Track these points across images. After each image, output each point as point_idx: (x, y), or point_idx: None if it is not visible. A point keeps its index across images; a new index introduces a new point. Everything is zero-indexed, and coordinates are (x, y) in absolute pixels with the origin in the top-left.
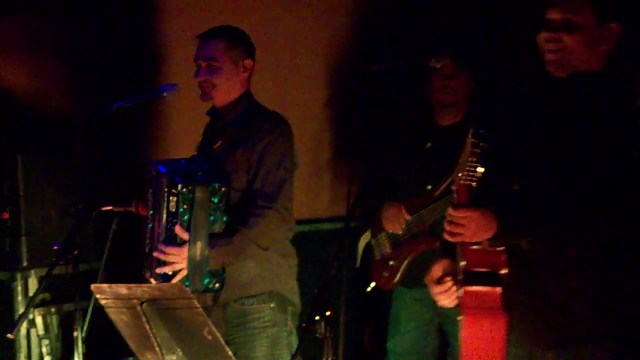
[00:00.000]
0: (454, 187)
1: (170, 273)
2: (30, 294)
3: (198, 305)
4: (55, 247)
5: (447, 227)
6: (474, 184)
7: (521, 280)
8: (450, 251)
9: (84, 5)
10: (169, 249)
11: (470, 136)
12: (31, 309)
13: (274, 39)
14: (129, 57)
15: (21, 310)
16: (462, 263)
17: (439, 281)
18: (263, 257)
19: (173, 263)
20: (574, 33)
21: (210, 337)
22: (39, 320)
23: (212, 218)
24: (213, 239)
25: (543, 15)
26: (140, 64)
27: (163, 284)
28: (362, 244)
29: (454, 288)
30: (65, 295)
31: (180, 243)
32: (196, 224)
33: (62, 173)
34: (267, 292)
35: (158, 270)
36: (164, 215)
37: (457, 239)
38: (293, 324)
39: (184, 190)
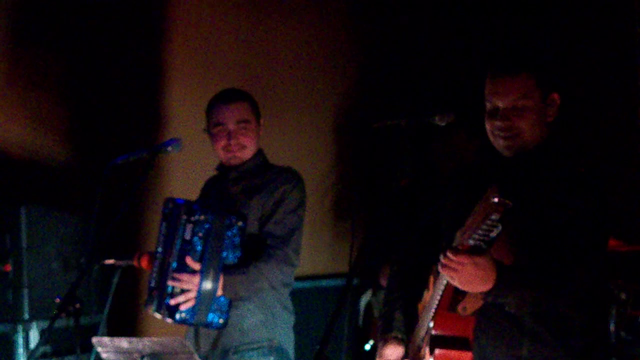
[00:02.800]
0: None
1: (173, 303)
2: (32, 346)
3: None
4: (57, 300)
5: (441, 269)
6: (484, 245)
7: (475, 347)
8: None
9: (90, 59)
10: (183, 276)
11: (494, 194)
12: None
13: (280, 101)
14: (133, 111)
15: None
16: (430, 324)
17: None
18: (265, 304)
19: (187, 292)
20: (526, 116)
21: None
22: None
23: (224, 254)
24: (229, 269)
25: (485, 101)
26: (144, 118)
27: (164, 338)
28: (364, 302)
29: None
30: (67, 348)
31: (191, 273)
32: (210, 254)
33: (65, 226)
34: (267, 344)
35: (172, 302)
36: (178, 243)
37: (451, 276)
38: None
39: (201, 218)
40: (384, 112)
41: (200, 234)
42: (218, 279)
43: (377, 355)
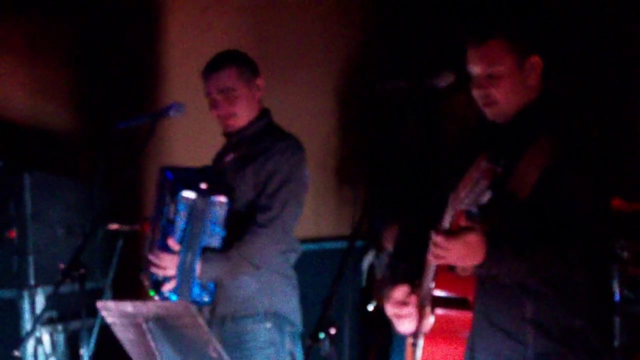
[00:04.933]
0: (451, 211)
1: (160, 278)
2: (37, 312)
3: (203, 323)
4: (61, 266)
5: (432, 250)
6: (474, 209)
7: (477, 306)
8: (406, 274)
9: (90, 26)
10: (163, 255)
11: (485, 160)
12: (38, 327)
13: (281, 63)
14: (134, 76)
15: (28, 328)
16: (431, 285)
17: (402, 304)
18: (262, 275)
19: (165, 268)
20: (499, 84)
21: (215, 355)
22: (46, 339)
23: (209, 230)
24: (208, 254)
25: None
26: (145, 83)
27: (168, 302)
28: (366, 263)
29: (415, 313)
30: (72, 313)
31: (171, 253)
32: (191, 234)
33: (69, 192)
34: (263, 311)
35: (152, 270)
36: (163, 221)
37: (440, 262)
38: (293, 345)
39: (184, 197)
40: (388, 75)
41: (183, 214)
42: (196, 260)
43: (385, 299)
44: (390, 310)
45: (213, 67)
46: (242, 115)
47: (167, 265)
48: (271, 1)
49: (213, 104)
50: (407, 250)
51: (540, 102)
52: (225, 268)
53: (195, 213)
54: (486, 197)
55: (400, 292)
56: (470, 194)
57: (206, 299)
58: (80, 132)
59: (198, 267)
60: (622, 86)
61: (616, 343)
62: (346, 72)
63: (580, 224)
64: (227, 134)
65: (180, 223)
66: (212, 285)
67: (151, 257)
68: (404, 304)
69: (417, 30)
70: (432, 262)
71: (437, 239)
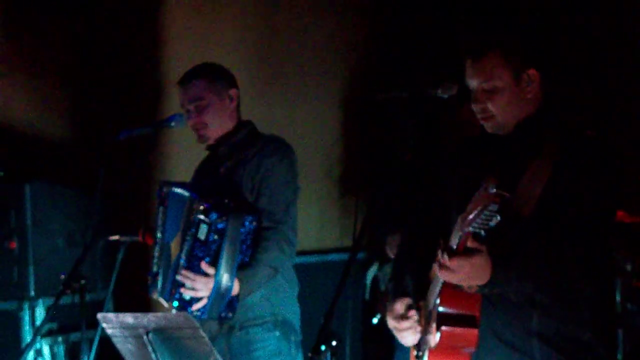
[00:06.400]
0: (459, 233)
1: (187, 298)
2: (38, 323)
3: (204, 335)
4: (62, 277)
5: (437, 270)
6: (482, 232)
7: (483, 320)
8: (410, 288)
9: (90, 37)
10: (197, 277)
11: (493, 186)
12: (38, 339)
13: (285, 75)
14: (134, 87)
15: (28, 339)
16: (437, 301)
17: (403, 317)
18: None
19: (198, 290)
20: (495, 98)
21: None
22: (46, 350)
23: (241, 249)
24: (243, 271)
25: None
26: (146, 93)
27: (168, 313)
28: (370, 276)
29: (418, 326)
30: (72, 325)
31: (204, 276)
32: (225, 255)
33: (70, 202)
34: (272, 319)
35: (182, 290)
36: (190, 242)
37: (446, 279)
38: (297, 353)
39: (218, 220)
40: (392, 85)
41: (216, 236)
42: (232, 281)
43: (388, 312)
44: (391, 323)
45: (183, 80)
46: (214, 125)
47: (201, 288)
48: (274, 14)
49: (187, 115)
50: (410, 263)
51: (541, 113)
52: (258, 281)
53: (230, 234)
54: (494, 221)
55: (400, 305)
56: (478, 218)
57: (230, 314)
58: (81, 143)
59: (235, 286)
60: (625, 96)
61: (619, 355)
62: (350, 84)
63: (582, 233)
64: (212, 146)
65: (213, 245)
66: (236, 302)
67: (182, 279)
68: (404, 317)
69: (420, 42)
70: (438, 279)
71: (443, 259)
